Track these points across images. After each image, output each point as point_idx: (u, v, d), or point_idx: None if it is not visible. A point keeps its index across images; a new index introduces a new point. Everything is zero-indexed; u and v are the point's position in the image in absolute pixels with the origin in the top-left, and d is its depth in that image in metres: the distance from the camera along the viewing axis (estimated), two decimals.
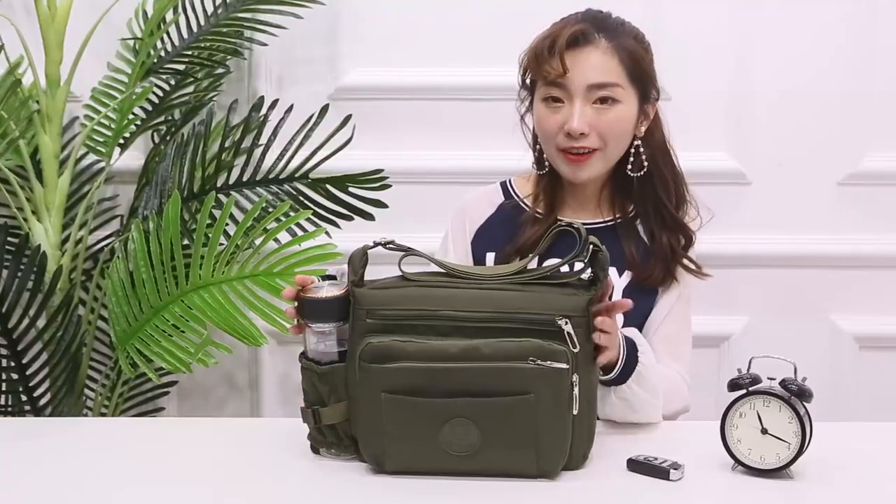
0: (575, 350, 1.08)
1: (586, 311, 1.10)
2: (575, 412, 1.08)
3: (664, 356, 1.42)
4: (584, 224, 1.44)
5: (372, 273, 1.15)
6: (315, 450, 1.18)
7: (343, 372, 1.13)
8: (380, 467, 1.12)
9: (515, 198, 1.51)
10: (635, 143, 1.42)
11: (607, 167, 1.42)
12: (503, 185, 1.55)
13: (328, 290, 1.13)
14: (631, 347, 1.25)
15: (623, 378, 1.23)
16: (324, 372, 1.14)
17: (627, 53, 1.37)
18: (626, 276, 1.44)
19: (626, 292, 1.42)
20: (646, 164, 1.42)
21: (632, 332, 1.31)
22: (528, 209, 1.48)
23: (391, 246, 1.15)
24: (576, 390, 1.08)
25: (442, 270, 1.15)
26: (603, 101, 1.36)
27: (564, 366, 1.06)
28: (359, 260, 1.13)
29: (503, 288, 1.11)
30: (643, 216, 1.46)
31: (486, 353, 1.06)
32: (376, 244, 1.15)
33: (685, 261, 1.45)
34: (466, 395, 1.07)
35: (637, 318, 1.43)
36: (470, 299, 1.10)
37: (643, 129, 1.42)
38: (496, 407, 1.07)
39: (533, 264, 1.17)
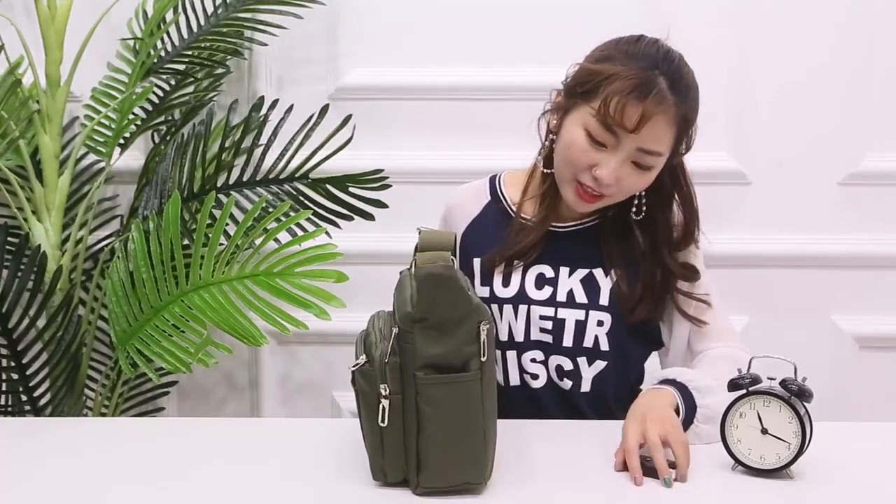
0: (386, 359, 1.05)
1: (411, 327, 1.04)
2: (382, 424, 1.05)
3: (699, 311, 1.40)
4: (565, 227, 1.44)
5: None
6: None
7: None
8: None
9: (502, 200, 1.49)
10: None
11: (608, 205, 1.39)
12: (492, 182, 1.53)
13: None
14: (684, 394, 1.22)
15: (689, 422, 1.22)
16: None
17: (684, 123, 1.32)
18: (613, 276, 1.41)
19: (614, 293, 1.40)
20: (644, 209, 1.40)
21: (677, 372, 1.27)
22: (512, 213, 1.46)
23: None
24: (384, 402, 1.05)
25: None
26: (640, 164, 1.32)
27: (366, 367, 1.06)
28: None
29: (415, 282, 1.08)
30: (644, 242, 1.43)
31: (368, 340, 1.12)
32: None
33: (680, 298, 1.41)
34: None
35: (635, 332, 1.42)
36: (404, 290, 1.09)
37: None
38: None
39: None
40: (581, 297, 1.40)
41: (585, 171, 1.32)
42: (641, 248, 1.41)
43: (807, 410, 1.11)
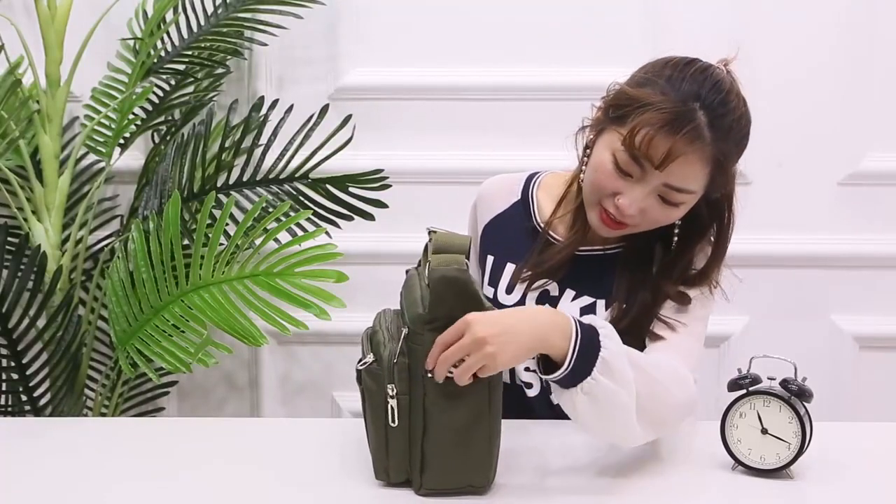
0: (393, 359, 1.05)
1: (422, 328, 1.04)
2: (392, 424, 1.05)
3: (660, 328, 1.27)
4: (586, 252, 1.36)
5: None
6: None
7: None
8: None
9: (531, 207, 1.42)
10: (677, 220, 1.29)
11: (634, 233, 1.30)
12: (528, 181, 1.45)
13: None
14: (587, 333, 1.04)
15: (585, 369, 1.02)
16: None
17: (722, 163, 1.21)
18: (613, 311, 1.31)
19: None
20: (676, 239, 1.31)
21: (590, 318, 1.09)
22: (540, 229, 1.39)
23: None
24: (392, 402, 1.04)
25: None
26: (667, 200, 1.23)
27: (374, 367, 1.06)
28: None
29: (429, 283, 1.07)
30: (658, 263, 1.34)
31: (375, 339, 1.11)
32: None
33: (655, 321, 1.29)
34: None
35: None
36: (416, 293, 1.09)
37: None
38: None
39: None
40: None
41: (609, 197, 1.24)
42: (652, 275, 1.31)
43: (807, 410, 1.11)
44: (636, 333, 1.28)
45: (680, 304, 1.29)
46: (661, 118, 1.17)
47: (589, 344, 1.03)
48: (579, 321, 1.06)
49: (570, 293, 1.36)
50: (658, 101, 1.18)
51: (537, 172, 1.47)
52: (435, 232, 1.13)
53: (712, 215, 1.31)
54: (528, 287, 1.37)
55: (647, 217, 1.25)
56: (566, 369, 1.02)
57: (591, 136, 1.29)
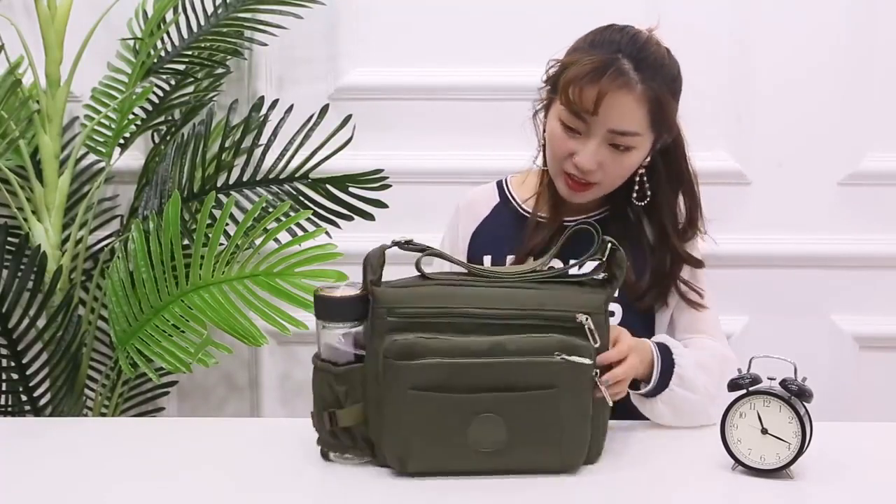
0: (596, 345, 1.10)
1: (604, 309, 1.13)
2: (610, 403, 1.14)
3: (685, 311, 1.43)
4: (574, 221, 1.40)
5: (387, 274, 1.15)
6: (325, 455, 1.17)
7: (360, 373, 1.12)
8: (402, 468, 1.10)
9: (512, 202, 1.51)
10: (639, 172, 1.40)
11: (605, 193, 1.41)
12: (499, 185, 1.55)
13: (344, 290, 1.13)
14: (664, 351, 1.27)
15: (664, 384, 1.26)
16: (341, 373, 1.12)
17: (657, 101, 1.32)
18: None
19: (623, 284, 1.40)
20: (649, 193, 1.41)
21: (662, 337, 1.33)
22: (527, 215, 1.47)
23: (409, 246, 1.14)
24: (602, 385, 1.12)
25: (462, 270, 1.18)
26: (618, 145, 1.33)
27: (587, 361, 1.09)
28: (376, 259, 1.12)
29: (522, 286, 1.13)
30: (651, 230, 1.44)
31: (511, 349, 1.07)
32: (394, 243, 1.14)
33: (682, 286, 1.44)
34: (493, 390, 1.07)
35: (645, 322, 1.42)
36: (491, 297, 1.11)
37: (647, 160, 1.40)
38: (523, 401, 1.07)
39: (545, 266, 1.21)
40: None
41: (567, 160, 1.35)
42: (649, 238, 1.43)
43: (807, 410, 1.11)
44: (657, 295, 1.41)
45: (694, 267, 1.44)
46: (585, 69, 1.30)
47: (666, 361, 1.27)
48: (657, 344, 1.28)
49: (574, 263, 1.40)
50: (581, 58, 1.32)
51: (500, 178, 1.57)
52: (410, 242, 1.14)
53: (668, 163, 1.42)
54: None
55: (606, 170, 1.35)
56: (652, 387, 1.25)
57: (544, 119, 1.42)
